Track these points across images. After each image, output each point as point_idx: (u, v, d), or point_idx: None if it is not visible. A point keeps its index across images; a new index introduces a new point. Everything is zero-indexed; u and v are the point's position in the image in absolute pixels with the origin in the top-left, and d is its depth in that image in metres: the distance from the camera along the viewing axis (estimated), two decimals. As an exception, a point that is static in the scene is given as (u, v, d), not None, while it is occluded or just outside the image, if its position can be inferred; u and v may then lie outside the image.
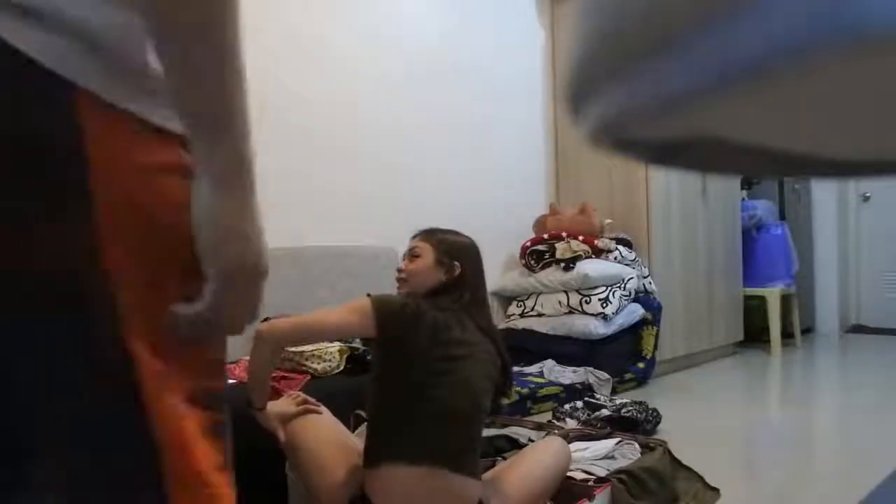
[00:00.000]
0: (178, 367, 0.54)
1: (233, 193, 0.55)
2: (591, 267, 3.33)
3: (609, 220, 3.69)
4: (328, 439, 1.51)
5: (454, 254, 1.55)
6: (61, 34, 0.49)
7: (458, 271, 1.53)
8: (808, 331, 5.09)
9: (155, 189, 0.53)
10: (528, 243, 3.62)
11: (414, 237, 1.61)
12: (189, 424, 0.54)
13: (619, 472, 1.76)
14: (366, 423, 1.80)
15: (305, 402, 1.57)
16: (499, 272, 3.69)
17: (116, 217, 0.50)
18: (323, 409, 1.58)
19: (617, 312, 3.32)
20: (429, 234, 1.59)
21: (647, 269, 3.64)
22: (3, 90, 0.48)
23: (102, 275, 0.50)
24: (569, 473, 1.67)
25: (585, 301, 3.31)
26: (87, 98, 0.49)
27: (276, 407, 1.52)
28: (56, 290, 0.50)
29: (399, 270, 1.58)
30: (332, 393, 1.89)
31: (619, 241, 3.61)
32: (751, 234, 4.48)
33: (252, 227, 0.56)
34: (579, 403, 2.68)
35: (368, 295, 1.47)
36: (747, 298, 4.45)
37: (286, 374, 2.13)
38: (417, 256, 1.55)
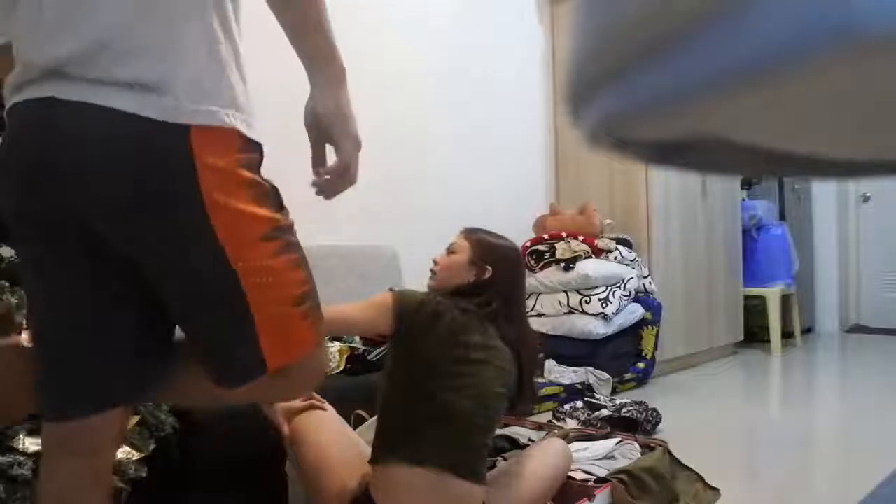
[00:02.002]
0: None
1: (343, 95, 0.98)
2: (591, 267, 3.33)
3: (609, 221, 3.69)
4: (332, 436, 1.51)
5: (488, 257, 1.52)
6: (174, 97, 0.83)
7: (487, 275, 1.51)
8: (808, 331, 5.09)
9: (235, 172, 0.87)
10: (528, 243, 3.61)
11: (460, 233, 1.60)
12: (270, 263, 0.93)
13: (619, 472, 1.76)
14: (365, 423, 1.80)
15: (311, 398, 1.56)
16: (499, 272, 3.68)
17: (212, 187, 0.85)
18: (328, 406, 1.58)
19: (617, 312, 3.32)
20: (470, 233, 1.58)
21: (647, 269, 3.63)
22: (148, 141, 0.83)
23: (209, 218, 0.86)
24: (569, 473, 1.67)
25: (585, 301, 3.31)
26: (195, 129, 0.84)
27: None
28: (191, 227, 0.87)
29: (434, 262, 1.57)
30: (332, 393, 1.88)
31: (619, 241, 3.61)
32: (751, 234, 4.48)
33: (353, 115, 0.99)
34: (579, 403, 2.68)
35: (391, 289, 1.46)
36: (747, 298, 4.45)
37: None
38: (453, 252, 1.55)
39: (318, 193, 0.99)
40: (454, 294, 1.50)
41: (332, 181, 0.98)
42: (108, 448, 1.01)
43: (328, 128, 0.97)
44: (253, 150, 0.91)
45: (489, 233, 1.60)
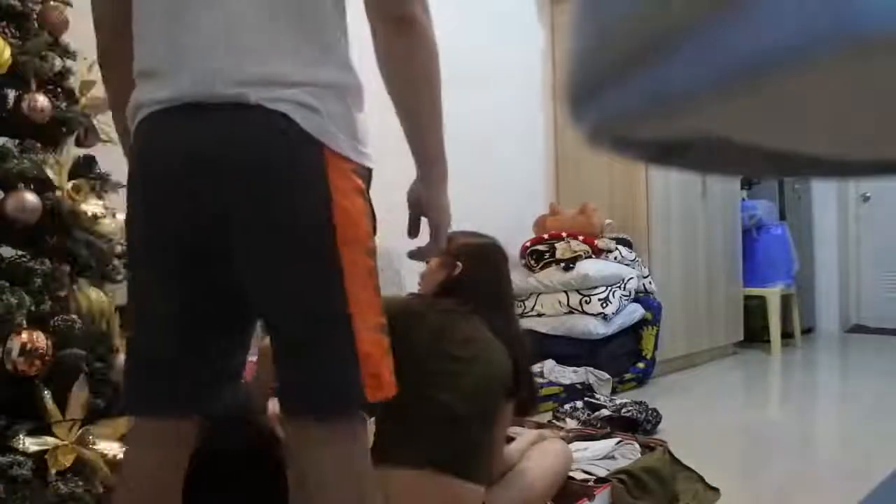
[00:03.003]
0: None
1: (445, 191, 1.10)
2: (591, 267, 3.33)
3: (609, 221, 3.69)
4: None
5: (457, 253, 1.53)
6: (321, 117, 0.92)
7: (457, 270, 1.51)
8: (808, 331, 5.09)
9: (355, 202, 0.98)
10: (528, 243, 3.62)
11: None
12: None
13: (619, 472, 1.76)
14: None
15: None
16: (499, 272, 3.68)
17: (340, 211, 0.94)
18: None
19: (617, 312, 3.32)
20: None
21: (647, 269, 3.64)
22: (293, 143, 0.91)
23: (335, 244, 0.94)
24: (569, 473, 1.67)
25: (585, 301, 3.31)
26: (328, 150, 0.93)
27: (276, 407, 1.51)
28: (310, 243, 0.94)
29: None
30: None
31: (619, 241, 3.61)
32: (751, 234, 4.48)
33: (449, 204, 1.11)
34: (579, 403, 2.68)
35: None
36: (747, 298, 4.44)
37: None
38: (430, 261, 1.56)
39: (410, 257, 1.15)
40: (438, 295, 1.51)
41: (425, 250, 1.13)
42: (185, 443, 1.09)
43: (427, 215, 1.12)
44: (365, 171, 1.02)
45: (462, 232, 1.59)
